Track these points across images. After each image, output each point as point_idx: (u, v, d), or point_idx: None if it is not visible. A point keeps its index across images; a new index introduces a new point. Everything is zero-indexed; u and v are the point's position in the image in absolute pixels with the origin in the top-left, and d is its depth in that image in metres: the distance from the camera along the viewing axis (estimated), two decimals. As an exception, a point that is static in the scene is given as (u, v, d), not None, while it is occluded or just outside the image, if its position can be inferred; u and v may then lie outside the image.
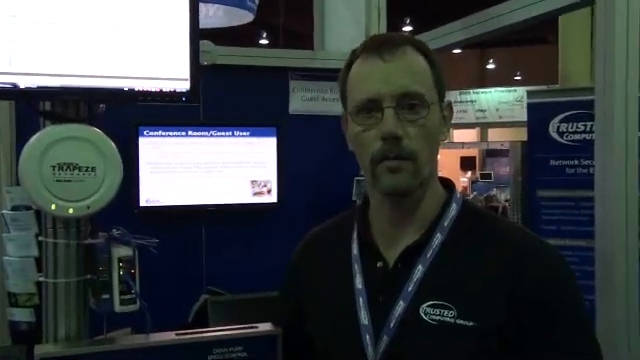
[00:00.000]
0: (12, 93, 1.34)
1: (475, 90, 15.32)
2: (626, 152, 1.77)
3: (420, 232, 1.18)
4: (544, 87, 7.25)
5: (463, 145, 14.61)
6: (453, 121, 1.25)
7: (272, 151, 3.07)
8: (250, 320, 1.38)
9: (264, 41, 13.09)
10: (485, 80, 17.21)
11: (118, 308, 1.40)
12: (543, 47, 14.40)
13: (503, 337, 1.08)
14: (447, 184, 1.26)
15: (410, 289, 1.14)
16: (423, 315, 1.12)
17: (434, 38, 2.66)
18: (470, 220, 1.20)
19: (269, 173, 3.07)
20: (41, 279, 1.44)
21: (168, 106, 1.66)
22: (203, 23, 1.47)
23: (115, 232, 1.44)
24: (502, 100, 14.90)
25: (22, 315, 1.67)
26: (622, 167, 1.77)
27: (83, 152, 1.35)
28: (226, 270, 3.00)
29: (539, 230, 3.04)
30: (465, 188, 13.81)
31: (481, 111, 15.14)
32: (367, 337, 1.15)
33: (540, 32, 12.88)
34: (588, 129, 3.01)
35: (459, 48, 10.45)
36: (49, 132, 1.35)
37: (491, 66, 17.66)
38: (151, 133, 2.90)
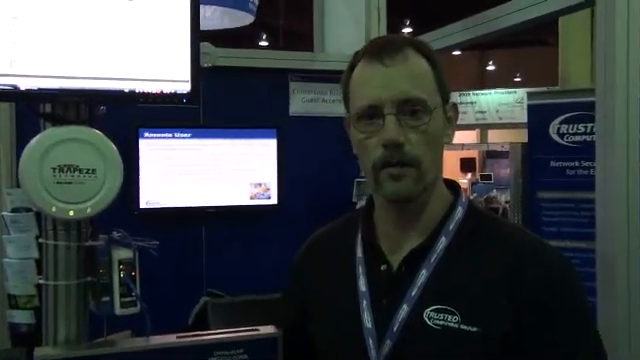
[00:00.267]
0: (13, 95, 1.34)
1: (475, 92, 15.34)
2: (627, 154, 1.77)
3: (425, 235, 1.18)
4: (544, 88, 7.25)
5: (463, 146, 14.61)
6: (453, 123, 1.24)
7: (272, 153, 3.06)
8: (251, 322, 1.37)
9: (264, 43, 13.09)
10: (485, 81, 17.22)
11: (118, 311, 1.40)
12: (543, 49, 14.41)
13: (508, 342, 1.08)
14: (453, 186, 1.26)
15: (414, 293, 1.14)
16: (427, 320, 1.11)
17: (434, 39, 2.65)
18: (473, 222, 1.20)
19: (269, 175, 3.07)
20: (41, 281, 1.43)
21: (168, 108, 1.66)
22: (202, 25, 1.46)
23: (115, 234, 1.44)
24: (502, 102, 14.92)
25: (22, 317, 1.66)
26: (623, 169, 1.77)
27: (84, 154, 1.34)
28: (226, 272, 2.99)
29: (539, 232, 3.03)
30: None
31: (481, 112, 15.17)
32: (370, 340, 1.15)
33: (540, 34, 12.91)
34: (589, 131, 3.00)
35: (459, 49, 10.45)
36: (49, 134, 1.35)
37: (491, 67, 17.67)
38: (151, 135, 2.90)
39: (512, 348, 1.08)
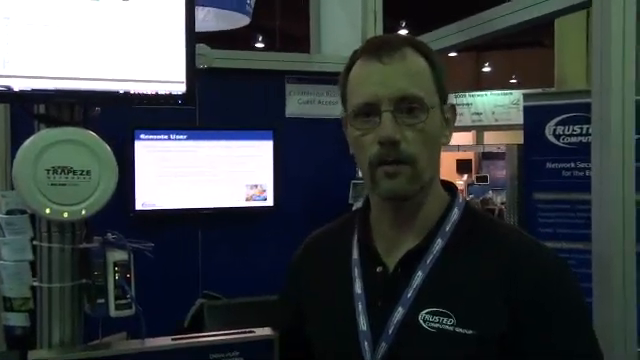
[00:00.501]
0: (6, 96, 1.34)
1: (471, 93, 15.35)
2: (623, 155, 1.77)
3: (421, 236, 1.18)
4: (540, 90, 7.26)
5: (459, 148, 14.62)
6: (449, 124, 1.23)
7: (268, 154, 3.06)
8: (247, 324, 1.37)
9: (260, 44, 13.09)
10: (481, 83, 17.24)
11: (113, 313, 1.39)
12: (539, 50, 14.43)
13: (505, 344, 1.07)
14: (450, 187, 1.25)
15: (409, 295, 1.13)
16: (422, 322, 1.11)
17: (430, 41, 2.64)
18: (470, 224, 1.19)
19: (265, 176, 3.06)
20: (35, 284, 1.43)
21: (164, 110, 1.65)
22: (197, 27, 1.46)
23: (110, 236, 1.43)
24: (498, 103, 14.93)
25: (17, 320, 1.65)
26: (619, 170, 1.77)
27: (78, 155, 1.34)
28: (222, 274, 2.99)
29: (535, 233, 3.04)
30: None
31: (477, 114, 15.18)
32: (365, 343, 1.14)
33: (536, 35, 12.93)
34: (584, 132, 3.01)
35: (455, 51, 10.46)
36: (44, 135, 1.34)
37: (487, 69, 17.69)
38: (147, 137, 2.89)
39: (508, 350, 1.07)
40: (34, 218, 1.49)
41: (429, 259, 1.15)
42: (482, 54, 17.23)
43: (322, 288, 1.28)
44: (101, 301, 1.39)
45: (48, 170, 1.32)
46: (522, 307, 1.08)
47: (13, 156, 1.34)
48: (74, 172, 1.33)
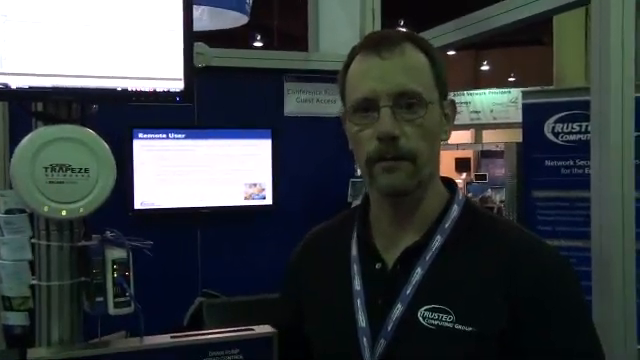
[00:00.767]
0: (4, 93, 1.33)
1: (469, 91, 15.36)
2: (622, 152, 1.77)
3: (420, 233, 1.17)
4: (539, 88, 7.25)
5: (458, 146, 14.63)
6: (447, 122, 1.23)
7: (267, 153, 3.06)
8: (246, 322, 1.37)
9: (258, 43, 13.08)
10: (479, 81, 17.24)
11: (112, 311, 1.39)
12: (537, 48, 14.44)
13: (505, 341, 1.07)
14: (450, 184, 1.25)
15: (408, 292, 1.13)
16: (421, 319, 1.11)
17: (428, 39, 2.64)
18: (470, 220, 1.19)
19: (264, 175, 3.06)
20: (34, 282, 1.42)
21: (162, 108, 1.65)
22: (195, 26, 1.45)
23: (109, 234, 1.43)
24: (496, 101, 14.93)
25: (16, 319, 1.65)
26: (618, 168, 1.77)
27: (76, 153, 1.33)
28: (221, 272, 2.99)
29: (534, 231, 3.00)
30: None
31: (475, 112, 15.18)
32: (364, 340, 1.14)
33: (534, 33, 12.93)
34: (583, 129, 3.01)
35: (453, 49, 10.46)
36: (41, 133, 1.34)
37: (485, 67, 17.70)
38: (145, 136, 2.89)
39: (508, 346, 1.07)
40: (33, 217, 1.48)
41: (428, 256, 1.15)
42: (480, 52, 17.23)
43: (321, 285, 1.27)
44: (100, 299, 1.39)
45: (46, 168, 1.31)
46: (521, 304, 1.08)
47: (11, 154, 1.33)
48: (72, 170, 1.32)
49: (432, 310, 1.10)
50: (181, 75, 1.41)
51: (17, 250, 1.62)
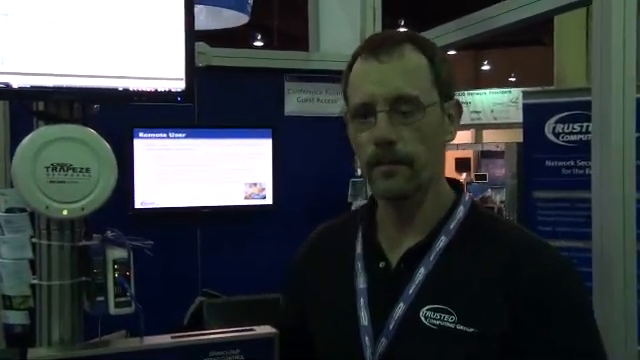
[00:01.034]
0: (5, 93, 1.33)
1: (470, 91, 15.35)
2: (623, 153, 1.77)
3: (423, 234, 1.17)
4: (539, 88, 7.25)
5: (458, 146, 14.62)
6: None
7: (267, 153, 3.06)
8: (246, 322, 1.36)
9: (259, 43, 13.08)
10: (480, 81, 17.23)
11: (113, 311, 1.39)
12: (538, 48, 14.43)
13: (505, 341, 1.07)
14: (456, 185, 1.25)
15: (411, 291, 1.13)
16: (423, 319, 1.11)
17: (430, 39, 2.64)
18: (473, 222, 1.19)
19: (264, 175, 3.06)
20: (35, 282, 1.42)
21: (163, 108, 1.65)
22: (197, 26, 1.45)
23: (110, 234, 1.43)
24: (497, 101, 14.92)
25: (16, 318, 1.65)
26: (619, 168, 1.76)
27: (77, 153, 1.33)
28: (222, 272, 2.99)
29: (535, 231, 3.00)
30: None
31: (476, 112, 15.17)
32: (366, 338, 1.14)
33: (535, 33, 12.92)
34: (584, 130, 3.01)
35: (454, 49, 10.45)
36: (43, 132, 1.34)
37: (486, 67, 17.69)
38: (146, 135, 2.89)
39: (509, 347, 1.07)
40: (34, 216, 1.48)
41: (432, 256, 1.15)
42: (481, 52, 17.23)
43: (324, 284, 1.28)
44: (101, 299, 1.39)
45: (47, 167, 1.31)
46: (522, 304, 1.08)
47: (12, 153, 1.33)
48: (73, 169, 1.32)
49: (434, 310, 1.10)
50: (182, 75, 1.41)
51: (17, 249, 1.62)
